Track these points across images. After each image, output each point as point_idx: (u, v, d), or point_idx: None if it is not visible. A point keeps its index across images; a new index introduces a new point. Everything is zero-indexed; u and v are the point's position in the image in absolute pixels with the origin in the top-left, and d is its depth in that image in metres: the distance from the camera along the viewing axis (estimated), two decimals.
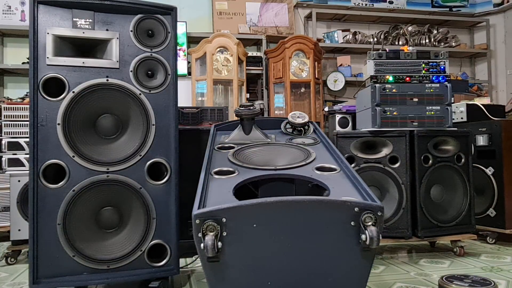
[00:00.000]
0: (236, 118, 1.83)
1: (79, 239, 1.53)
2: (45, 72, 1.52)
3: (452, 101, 2.37)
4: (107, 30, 1.61)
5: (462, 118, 2.78)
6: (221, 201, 1.17)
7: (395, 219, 2.20)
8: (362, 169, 2.22)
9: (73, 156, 1.53)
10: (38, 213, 1.49)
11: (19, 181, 2.27)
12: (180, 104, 1.79)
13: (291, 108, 3.99)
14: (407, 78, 2.31)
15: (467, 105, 2.79)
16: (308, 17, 4.77)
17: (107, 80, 1.59)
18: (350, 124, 3.70)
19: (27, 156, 2.62)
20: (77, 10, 1.57)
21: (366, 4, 4.85)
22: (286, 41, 3.94)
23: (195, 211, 1.11)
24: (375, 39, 4.76)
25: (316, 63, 4.02)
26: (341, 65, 4.71)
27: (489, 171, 2.56)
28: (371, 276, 1.89)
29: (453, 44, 5.04)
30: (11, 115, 2.78)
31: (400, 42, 4.86)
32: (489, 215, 2.54)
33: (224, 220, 1.10)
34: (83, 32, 1.58)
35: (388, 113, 2.27)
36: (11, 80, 4.19)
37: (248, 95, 4.12)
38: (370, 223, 1.13)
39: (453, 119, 2.49)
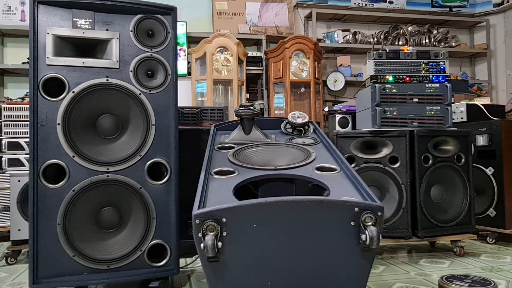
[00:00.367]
0: (236, 118, 1.83)
1: (79, 239, 1.53)
2: (45, 72, 1.52)
3: (452, 101, 2.37)
4: (107, 30, 1.61)
5: (462, 118, 2.78)
6: (221, 201, 1.17)
7: (395, 219, 2.20)
8: (362, 169, 2.22)
9: (73, 156, 1.53)
10: (38, 213, 1.49)
11: (19, 181, 2.27)
12: (180, 104, 1.79)
13: (291, 108, 3.99)
14: (407, 78, 2.31)
15: (467, 105, 2.79)
16: (308, 17, 4.77)
17: (107, 80, 1.59)
18: (350, 124, 3.70)
19: (27, 156, 2.62)
20: (77, 10, 1.57)
21: (366, 4, 4.85)
22: (286, 41, 3.94)
23: (195, 211, 1.11)
24: (375, 39, 4.76)
25: (316, 63, 4.02)
26: (341, 65, 4.71)
27: (489, 171, 2.56)
28: (371, 276, 1.89)
29: (453, 44, 5.04)
30: (11, 115, 2.78)
31: (400, 42, 4.86)
32: (489, 215, 2.54)
33: (224, 220, 1.10)
34: (83, 32, 1.58)
35: (388, 113, 2.27)
36: (11, 80, 4.19)
37: (248, 95, 4.12)
38: (370, 223, 1.13)
39: (453, 119, 2.48)
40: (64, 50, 1.56)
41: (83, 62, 1.57)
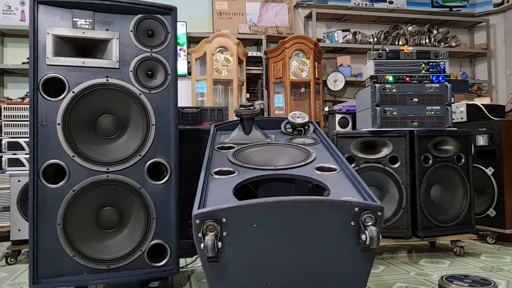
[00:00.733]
0: (236, 118, 1.83)
1: (79, 239, 1.53)
2: (45, 72, 1.52)
3: (452, 101, 2.37)
4: (107, 30, 1.61)
5: (462, 118, 2.78)
6: (221, 201, 1.17)
7: (395, 219, 2.20)
8: (362, 169, 2.22)
9: (73, 156, 1.53)
10: (38, 213, 1.49)
11: (19, 181, 2.27)
12: (180, 104, 1.79)
13: (291, 108, 3.99)
14: (407, 78, 2.31)
15: (467, 105, 2.79)
16: (308, 17, 4.76)
17: (107, 80, 1.59)
18: (350, 124, 3.70)
19: (27, 156, 2.61)
20: (77, 10, 1.57)
21: (366, 4, 4.84)
22: (286, 41, 3.94)
23: (195, 211, 1.11)
24: (375, 39, 4.75)
25: (316, 63, 4.02)
26: (341, 65, 4.71)
27: (489, 171, 2.56)
28: (371, 276, 1.89)
29: (453, 44, 5.04)
30: (11, 115, 2.78)
31: (400, 42, 4.86)
32: (489, 215, 2.54)
33: (224, 220, 1.10)
34: (83, 32, 1.58)
35: (388, 113, 2.27)
36: (11, 80, 4.19)
37: (248, 95, 4.12)
38: (370, 223, 1.13)
39: (453, 119, 2.48)
40: (64, 50, 1.56)
41: (83, 62, 1.57)
